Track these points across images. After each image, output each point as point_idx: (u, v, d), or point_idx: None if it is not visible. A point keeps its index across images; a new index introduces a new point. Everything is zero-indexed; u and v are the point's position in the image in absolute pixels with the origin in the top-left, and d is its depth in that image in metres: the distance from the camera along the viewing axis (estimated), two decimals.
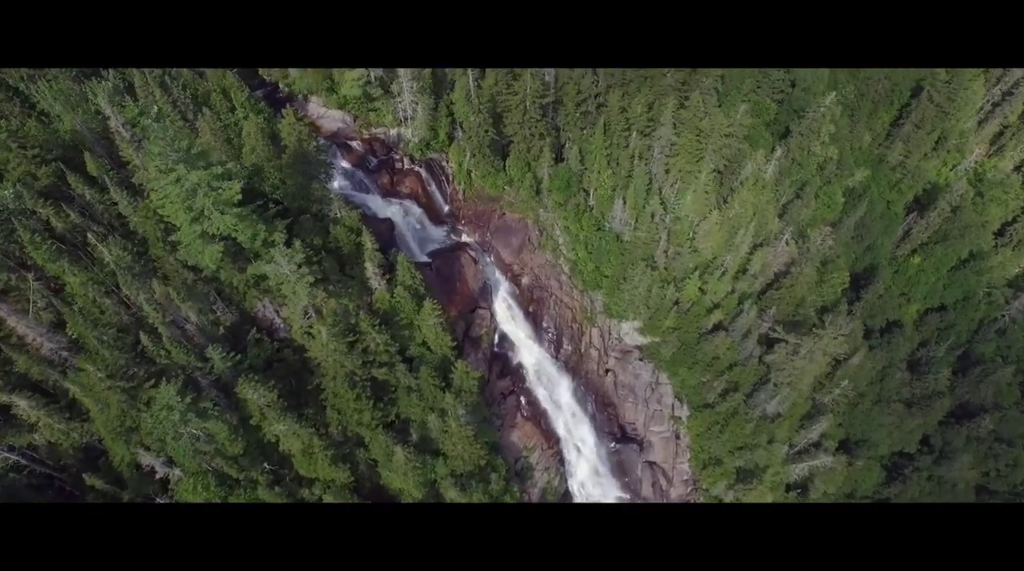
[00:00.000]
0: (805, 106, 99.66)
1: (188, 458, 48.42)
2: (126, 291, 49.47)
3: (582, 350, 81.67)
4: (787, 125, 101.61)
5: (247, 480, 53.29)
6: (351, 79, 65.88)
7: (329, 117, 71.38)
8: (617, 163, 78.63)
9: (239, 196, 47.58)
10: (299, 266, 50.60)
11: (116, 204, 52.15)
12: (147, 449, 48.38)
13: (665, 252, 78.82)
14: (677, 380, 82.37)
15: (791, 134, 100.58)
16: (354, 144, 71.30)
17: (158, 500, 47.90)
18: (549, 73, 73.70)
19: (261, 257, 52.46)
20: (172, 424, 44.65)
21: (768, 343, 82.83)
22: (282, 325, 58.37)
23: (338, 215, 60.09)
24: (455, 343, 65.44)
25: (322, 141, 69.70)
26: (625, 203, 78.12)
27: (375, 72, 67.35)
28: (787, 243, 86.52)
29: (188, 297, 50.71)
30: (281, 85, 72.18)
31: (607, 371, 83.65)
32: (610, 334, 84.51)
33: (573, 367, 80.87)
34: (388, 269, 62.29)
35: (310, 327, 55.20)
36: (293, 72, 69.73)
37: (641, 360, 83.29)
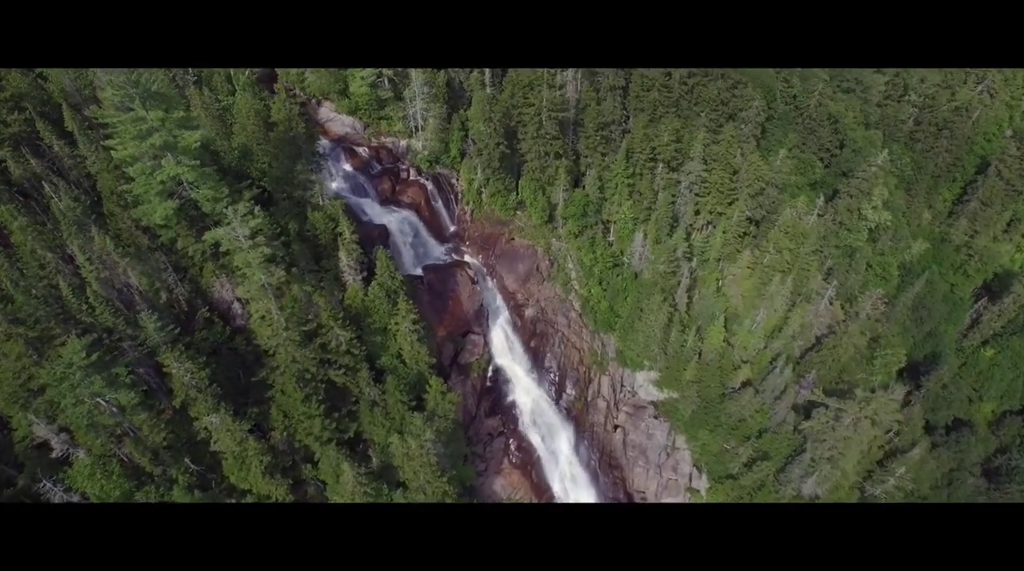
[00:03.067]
0: (854, 168, 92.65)
1: (90, 435, 41.64)
2: (69, 245, 45.18)
3: (588, 398, 72.09)
4: (835, 187, 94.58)
5: (163, 477, 45.69)
6: (360, 77, 63.84)
7: (338, 121, 69.22)
8: (640, 194, 72.64)
9: (197, 143, 43.69)
10: (255, 234, 45.43)
11: (85, 159, 49.31)
12: (51, 420, 41.98)
13: (687, 291, 70.45)
14: (696, 445, 71.03)
15: (839, 194, 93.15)
16: (360, 150, 68.39)
17: (44, 483, 40.63)
18: (570, 91, 70.29)
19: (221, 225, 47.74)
20: (71, 385, 38.36)
21: (806, 412, 71.13)
22: (240, 311, 52.71)
23: (320, 202, 55.66)
24: (434, 360, 57.90)
25: (325, 141, 67.19)
26: (646, 237, 71.25)
27: (386, 72, 65.31)
28: (831, 302, 76.60)
29: (136, 259, 46.05)
30: (297, 90, 71.04)
31: (616, 427, 73.22)
32: (622, 385, 74.83)
33: (576, 416, 71.05)
34: (368, 269, 56.60)
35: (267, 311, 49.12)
36: (309, 75, 68.63)
37: (656, 418, 72.76)
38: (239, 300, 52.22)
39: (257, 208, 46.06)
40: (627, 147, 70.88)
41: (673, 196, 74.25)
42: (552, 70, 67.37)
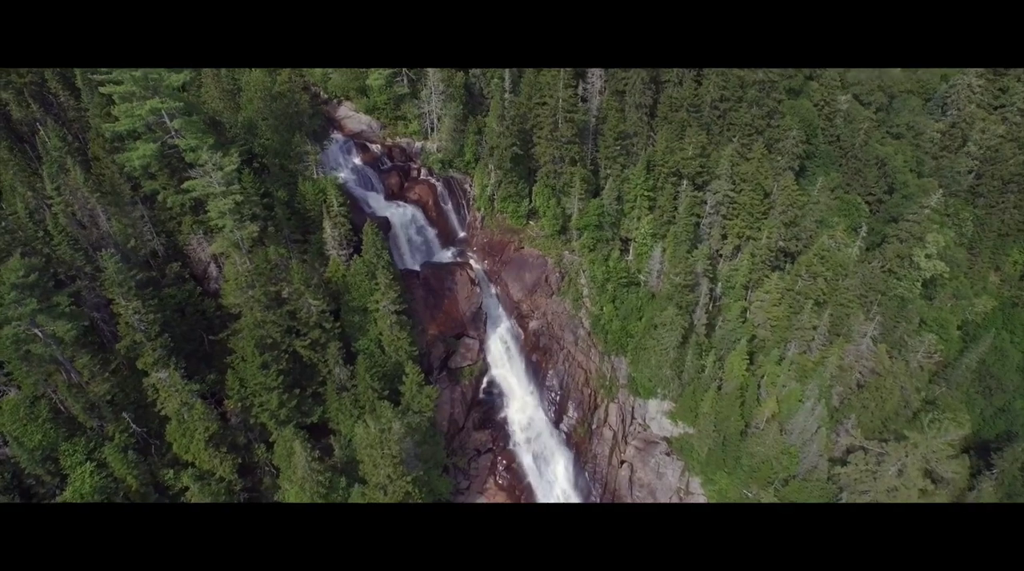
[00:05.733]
0: (904, 213, 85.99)
1: (21, 369, 38.77)
2: (46, 180, 44.36)
3: (592, 425, 65.06)
4: (883, 233, 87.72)
5: (97, 432, 42.02)
6: (377, 71, 63.80)
7: (355, 119, 69.01)
8: (660, 209, 68.24)
9: (180, 81, 42.95)
10: (230, 183, 43.60)
11: (87, 111, 49.58)
12: None
13: (707, 312, 64.08)
14: (713, 489, 62.22)
15: (887, 239, 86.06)
16: (373, 147, 67.49)
17: None
18: (593, 104, 68.35)
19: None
20: (1, 304, 35.98)
21: (843, 462, 61.60)
22: (216, 274, 50.25)
23: (315, 175, 54.03)
24: (416, 351, 53.39)
25: (338, 135, 66.78)
26: (664, 252, 66.15)
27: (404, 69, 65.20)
28: (874, 342, 67.94)
29: (112, 202, 44.80)
30: (321, 92, 71.83)
31: (623, 462, 65.41)
32: (633, 416, 67.56)
33: (577, 444, 63.91)
34: (355, 248, 53.73)
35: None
36: (334, 75, 69.42)
37: (668, 455, 64.73)
38: (215, 262, 49.97)
39: (235, 154, 44.48)
40: (648, 158, 67.47)
41: (698, 216, 69.53)
42: (575, 81, 65.89)
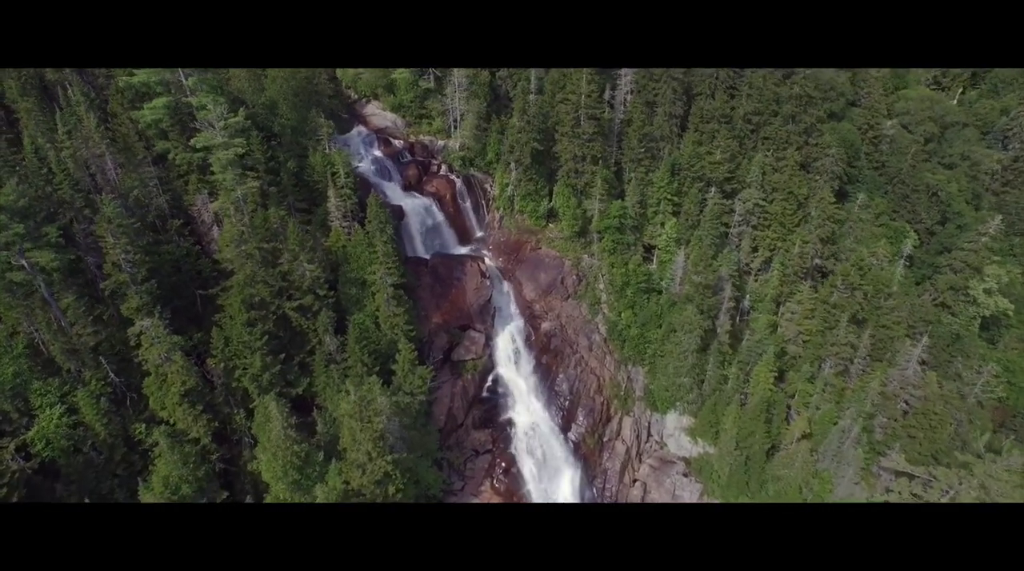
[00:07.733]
0: (958, 244, 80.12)
1: (3, 299, 38.33)
2: (59, 124, 45.35)
3: (603, 437, 60.26)
4: (934, 266, 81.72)
5: (73, 376, 40.87)
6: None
7: (381, 116, 69.82)
8: (686, 215, 65.18)
9: None
10: (234, 135, 43.54)
11: (113, 76, 51.24)
12: None
13: (731, 315, 59.50)
14: None
15: (939, 270, 79.99)
16: (396, 141, 67.68)
17: None
18: (619, 111, 67.13)
19: None
20: None
21: (884, 490, 54.50)
22: (218, 234, 49.70)
23: (327, 150, 53.88)
24: (412, 330, 51.00)
25: (363, 128, 67.43)
26: (688, 259, 62.55)
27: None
28: (921, 369, 61.26)
29: (121, 153, 45.37)
30: (352, 93, 73.38)
31: (635, 480, 59.97)
32: (649, 433, 62.42)
33: (586, 455, 59.08)
34: (360, 224, 52.68)
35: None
36: (365, 74, 70.88)
37: (686, 476, 59.04)
38: (218, 224, 49.57)
39: (242, 112, 44.60)
40: (673, 161, 65.08)
41: (726, 225, 66.02)
42: (597, 76, 65.07)
